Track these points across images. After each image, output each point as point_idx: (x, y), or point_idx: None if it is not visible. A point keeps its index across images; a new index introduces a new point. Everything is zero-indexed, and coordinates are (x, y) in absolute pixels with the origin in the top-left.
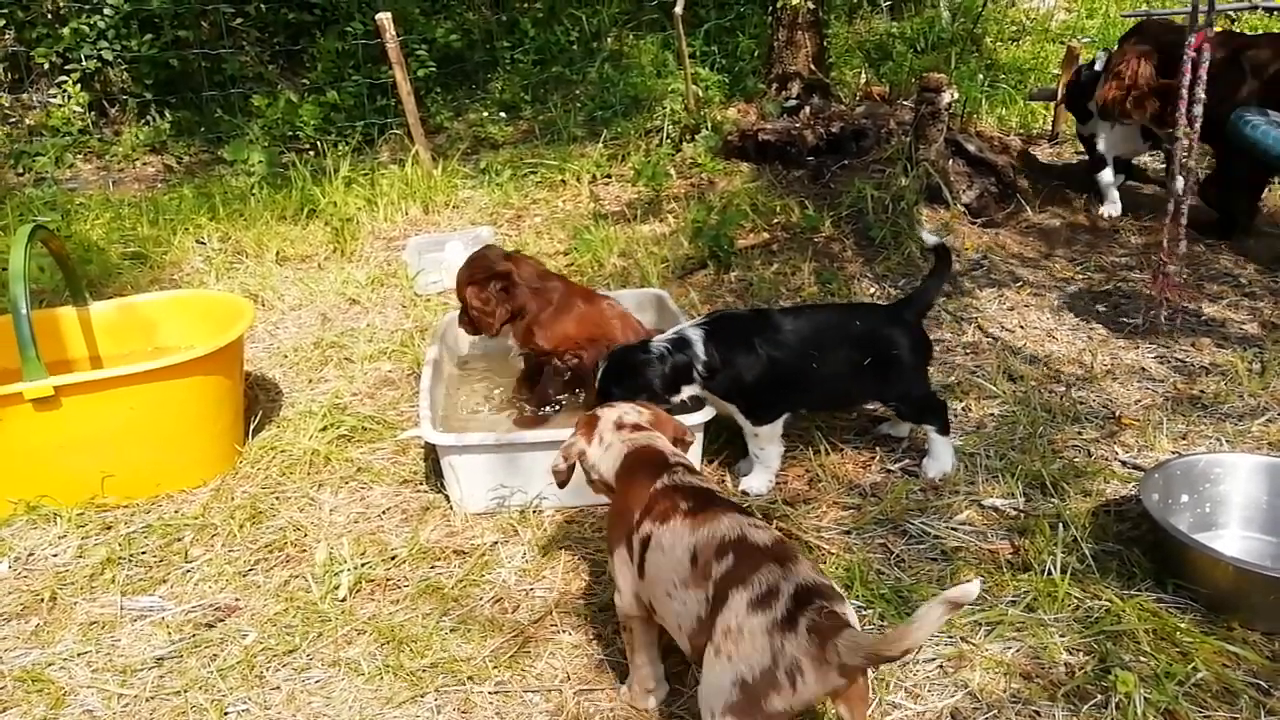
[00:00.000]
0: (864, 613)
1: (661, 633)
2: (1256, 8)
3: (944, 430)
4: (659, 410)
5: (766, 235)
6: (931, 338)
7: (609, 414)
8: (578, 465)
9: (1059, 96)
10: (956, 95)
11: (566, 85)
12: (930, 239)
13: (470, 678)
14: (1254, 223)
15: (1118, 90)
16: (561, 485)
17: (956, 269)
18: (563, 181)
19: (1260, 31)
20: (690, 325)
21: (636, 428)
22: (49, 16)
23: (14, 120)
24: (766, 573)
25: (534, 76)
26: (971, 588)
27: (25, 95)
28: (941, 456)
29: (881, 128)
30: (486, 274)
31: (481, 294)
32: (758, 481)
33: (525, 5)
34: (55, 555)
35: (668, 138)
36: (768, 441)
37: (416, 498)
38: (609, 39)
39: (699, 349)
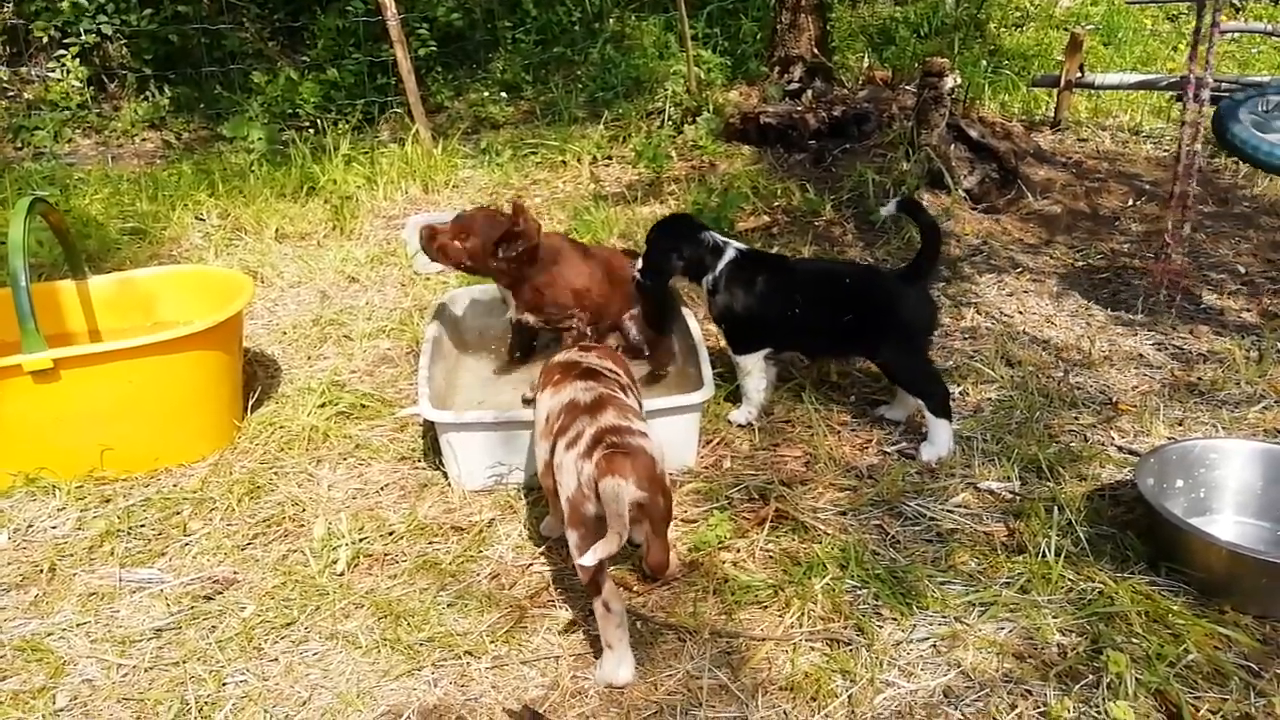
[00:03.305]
0: (859, 592)
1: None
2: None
3: (939, 412)
4: (620, 357)
5: (767, 218)
6: None
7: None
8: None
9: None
10: (959, 80)
11: (568, 66)
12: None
13: (467, 652)
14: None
15: None
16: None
17: (957, 254)
18: (563, 162)
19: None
20: (735, 245)
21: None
22: None
23: (12, 94)
24: (579, 423)
25: (535, 56)
26: None
27: (24, 69)
28: (938, 440)
29: (883, 112)
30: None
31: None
32: (739, 413)
33: None
34: (54, 527)
35: (669, 119)
36: (746, 375)
37: (414, 474)
38: (611, 20)
39: (720, 265)
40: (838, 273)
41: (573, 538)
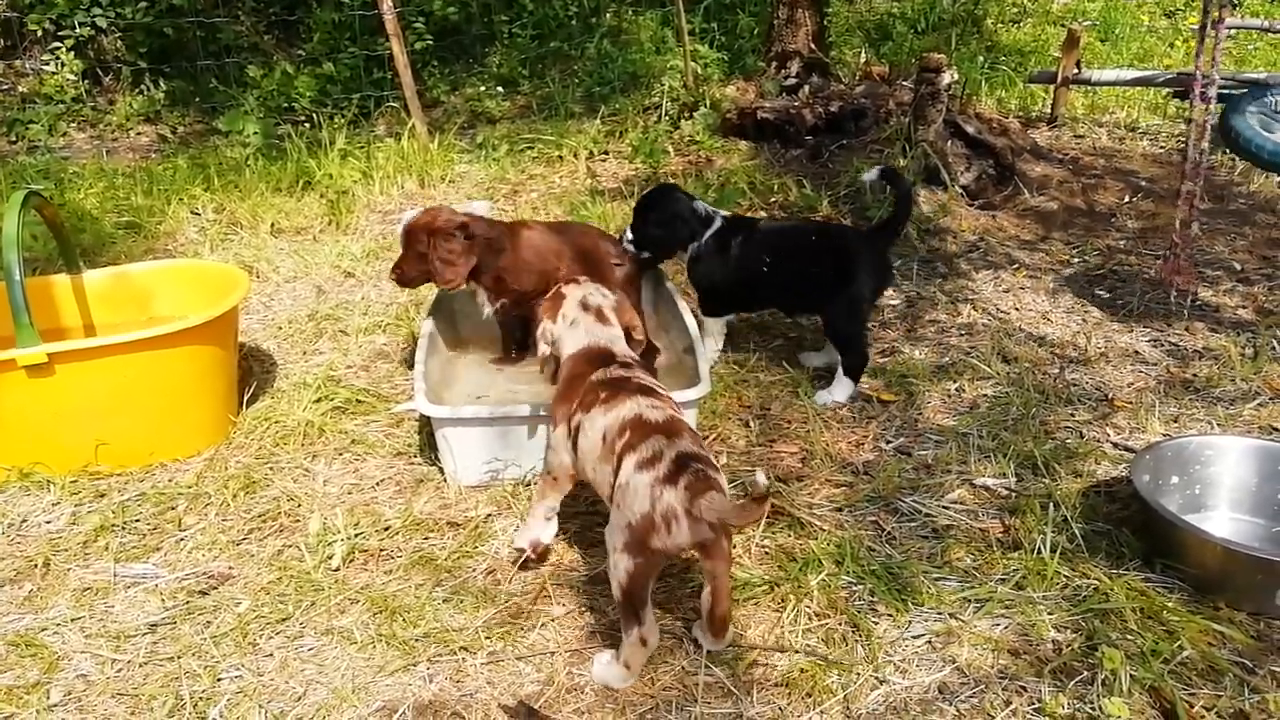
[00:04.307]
0: (854, 588)
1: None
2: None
3: (849, 373)
4: (624, 298)
5: (764, 213)
6: (927, 319)
7: (575, 293)
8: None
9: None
10: (956, 76)
11: (565, 60)
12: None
13: (463, 647)
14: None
15: None
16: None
17: (953, 250)
18: (559, 157)
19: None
20: (723, 214)
21: (600, 314)
22: None
23: (7, 87)
24: (654, 442)
25: (532, 51)
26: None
27: (18, 62)
28: (836, 390)
29: (880, 108)
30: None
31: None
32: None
33: None
34: (49, 522)
35: (666, 115)
36: (709, 335)
37: (410, 470)
38: (608, 14)
39: (708, 233)
40: (803, 230)
41: (624, 562)
